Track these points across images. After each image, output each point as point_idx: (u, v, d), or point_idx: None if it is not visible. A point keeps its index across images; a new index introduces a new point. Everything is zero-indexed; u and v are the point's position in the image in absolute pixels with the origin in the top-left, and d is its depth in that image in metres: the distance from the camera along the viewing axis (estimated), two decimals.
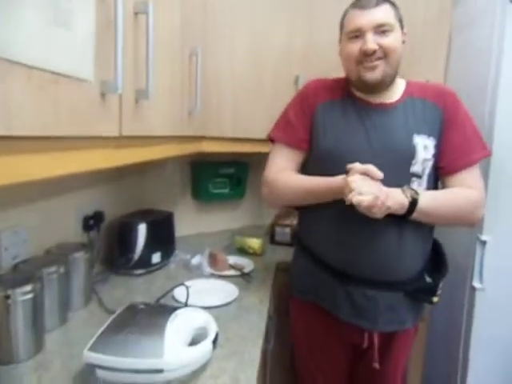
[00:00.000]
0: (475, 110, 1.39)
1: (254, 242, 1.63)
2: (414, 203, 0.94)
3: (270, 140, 1.19)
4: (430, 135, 1.01)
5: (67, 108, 0.56)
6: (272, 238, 1.78)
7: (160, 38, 0.93)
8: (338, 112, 1.08)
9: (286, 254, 1.49)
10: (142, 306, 0.88)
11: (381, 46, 0.97)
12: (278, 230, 1.78)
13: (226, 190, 1.96)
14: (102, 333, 0.77)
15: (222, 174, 1.94)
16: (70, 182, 1.19)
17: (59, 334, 0.94)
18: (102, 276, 1.28)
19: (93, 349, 0.73)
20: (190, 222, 1.90)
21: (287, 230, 1.77)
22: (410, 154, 1.00)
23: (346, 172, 0.94)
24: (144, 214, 1.47)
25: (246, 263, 1.47)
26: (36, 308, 0.84)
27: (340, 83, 1.12)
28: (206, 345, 0.79)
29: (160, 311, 0.86)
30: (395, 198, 0.92)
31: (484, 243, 1.32)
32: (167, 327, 0.78)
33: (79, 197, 1.24)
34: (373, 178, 0.90)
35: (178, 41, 1.09)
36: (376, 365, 1.07)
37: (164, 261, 1.45)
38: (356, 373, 1.19)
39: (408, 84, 1.09)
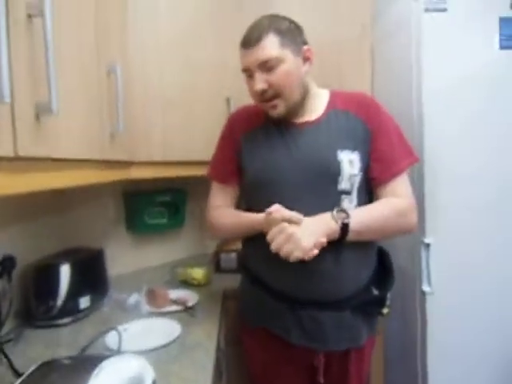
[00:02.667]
0: (404, 116, 1.43)
1: (197, 272, 1.51)
2: (345, 227, 0.92)
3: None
4: (354, 149, 1.00)
5: None
6: (217, 266, 1.67)
7: (68, 47, 0.82)
8: (262, 137, 1.08)
9: (233, 281, 1.38)
10: (57, 363, 0.73)
11: (271, 85, 0.98)
12: (223, 256, 1.67)
13: (164, 220, 1.83)
14: None
15: (158, 203, 1.81)
16: None
17: None
18: (14, 333, 1.07)
19: None
20: (125, 257, 1.73)
21: (233, 255, 1.66)
22: (336, 171, 0.98)
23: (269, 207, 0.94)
24: (67, 254, 1.29)
25: (190, 296, 1.34)
26: None
27: (260, 108, 1.10)
28: None
29: (81, 366, 0.71)
30: (324, 230, 0.91)
31: (428, 246, 1.32)
32: None
33: None
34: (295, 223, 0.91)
35: (92, 54, 0.98)
36: (321, 379, 1.05)
37: (95, 304, 1.27)
38: None
39: (332, 95, 1.09)
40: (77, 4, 0.88)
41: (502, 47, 1.28)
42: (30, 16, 0.67)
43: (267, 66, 0.96)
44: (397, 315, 1.54)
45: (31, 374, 0.70)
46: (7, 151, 0.60)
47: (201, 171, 1.29)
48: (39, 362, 0.75)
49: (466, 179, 1.33)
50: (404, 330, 1.50)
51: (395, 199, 1.01)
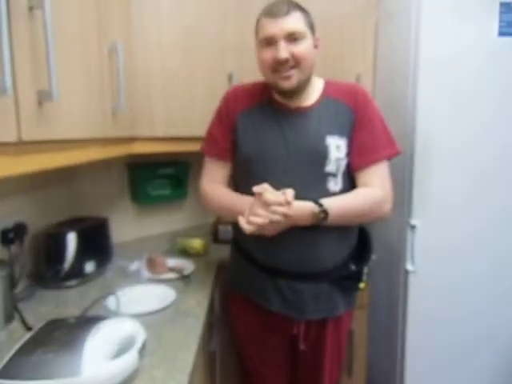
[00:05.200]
0: (399, 99, 1.46)
1: (196, 243, 1.60)
2: (323, 218, 0.99)
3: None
4: (341, 135, 1.07)
5: None
6: (215, 237, 1.76)
7: (69, 33, 0.87)
8: (258, 118, 1.12)
9: (229, 252, 1.48)
10: (62, 321, 0.83)
11: (293, 55, 1.01)
12: (220, 228, 1.76)
13: (167, 192, 1.91)
14: (14, 355, 0.71)
15: (161, 175, 1.88)
16: None
17: None
18: (27, 292, 1.19)
19: (1, 375, 0.67)
20: (129, 226, 1.83)
21: (230, 227, 1.74)
22: (323, 154, 1.05)
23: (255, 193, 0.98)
24: (74, 222, 1.38)
25: (187, 265, 1.44)
26: None
27: (259, 88, 1.16)
28: (131, 355, 0.75)
29: (82, 324, 0.81)
30: (301, 222, 0.99)
31: (414, 227, 1.38)
32: (87, 341, 0.73)
33: None
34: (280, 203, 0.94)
35: (93, 37, 1.02)
36: (302, 346, 1.14)
37: (99, 269, 1.38)
38: (297, 361, 1.23)
39: (326, 84, 1.14)
40: None
41: (502, 34, 1.27)
42: (31, 8, 0.72)
43: (293, 38, 1.00)
44: (382, 291, 1.63)
45: (39, 329, 0.81)
46: (11, 137, 0.67)
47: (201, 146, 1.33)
48: (47, 320, 0.86)
49: (455, 163, 1.37)
50: (388, 306, 1.59)
51: (371, 189, 1.07)
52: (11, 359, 0.71)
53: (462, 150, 1.37)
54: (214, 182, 1.20)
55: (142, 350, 0.80)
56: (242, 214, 0.98)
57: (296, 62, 1.02)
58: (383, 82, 1.62)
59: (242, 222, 0.95)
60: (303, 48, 1.01)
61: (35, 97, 0.73)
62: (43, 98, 0.75)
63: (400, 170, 1.45)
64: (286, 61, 1.00)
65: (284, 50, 0.99)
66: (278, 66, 1.02)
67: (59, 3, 0.81)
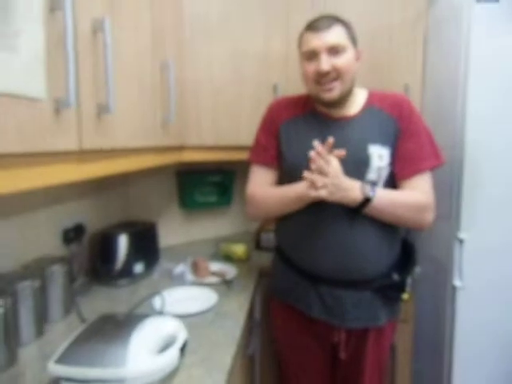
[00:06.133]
0: (448, 109, 1.41)
1: (239, 248, 1.64)
2: (366, 201, 1.01)
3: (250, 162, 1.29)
4: (384, 145, 1.07)
5: (14, 126, 0.58)
6: (257, 244, 1.80)
7: (126, 52, 0.96)
8: (301, 127, 1.16)
9: (270, 259, 1.50)
10: (112, 316, 0.90)
11: (334, 67, 1.04)
12: (263, 235, 1.79)
13: (213, 199, 1.98)
14: (69, 344, 0.79)
15: (208, 183, 1.96)
16: (49, 196, 1.21)
17: (34, 347, 0.96)
18: (84, 288, 1.29)
19: (58, 361, 0.74)
20: (177, 231, 1.92)
21: (272, 235, 1.77)
22: (365, 162, 1.07)
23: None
24: (126, 226, 1.48)
25: (230, 270, 1.48)
26: (7, 322, 0.86)
27: (302, 99, 1.20)
28: (172, 353, 0.80)
29: (130, 321, 0.87)
30: (345, 196, 1.00)
31: (462, 241, 1.32)
32: (133, 336, 0.79)
33: (59, 210, 1.26)
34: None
35: (147, 54, 1.11)
36: (342, 355, 1.15)
37: (147, 271, 1.46)
38: (337, 371, 1.23)
39: (370, 95, 1.15)
40: (134, 12, 1.00)
41: None
42: (94, 32, 0.81)
43: (335, 51, 1.04)
44: (428, 306, 1.56)
45: (93, 322, 0.88)
46: (72, 147, 0.74)
47: (248, 156, 1.37)
48: (99, 314, 0.94)
49: (506, 175, 1.30)
50: (434, 322, 1.52)
51: (417, 193, 1.07)
52: (67, 348, 0.78)
53: None
54: (260, 186, 1.22)
55: (183, 349, 0.84)
56: (294, 196, 1.08)
57: (338, 74, 1.05)
58: (432, 91, 1.58)
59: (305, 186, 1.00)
60: (344, 60, 1.04)
61: (95, 109, 0.81)
62: (102, 110, 0.83)
63: (448, 181, 1.40)
64: (328, 73, 1.04)
65: (326, 63, 1.03)
66: (321, 78, 1.05)
67: (119, 25, 0.90)
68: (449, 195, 1.39)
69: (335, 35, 1.04)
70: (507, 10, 1.22)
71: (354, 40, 1.09)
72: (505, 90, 1.27)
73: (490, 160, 1.31)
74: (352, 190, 1.00)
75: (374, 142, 1.07)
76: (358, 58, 1.10)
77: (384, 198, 1.03)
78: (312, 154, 0.98)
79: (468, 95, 1.29)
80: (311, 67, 1.07)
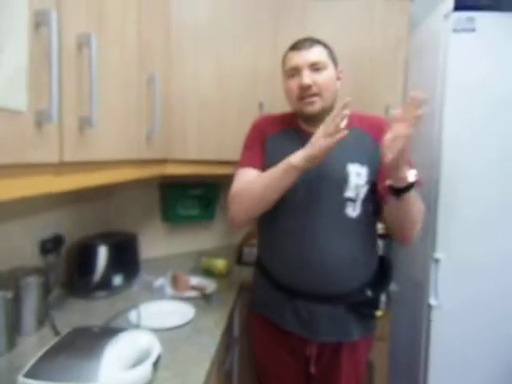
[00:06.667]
0: (425, 130, 1.46)
1: (219, 263, 1.64)
2: (412, 185, 0.96)
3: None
4: (363, 164, 1.11)
5: None
6: (239, 259, 1.80)
7: (111, 65, 0.97)
8: (284, 142, 1.18)
9: (251, 274, 1.50)
10: (86, 329, 0.89)
11: (315, 82, 1.09)
12: (245, 250, 1.80)
13: (196, 212, 1.98)
14: (40, 358, 0.78)
15: (191, 196, 1.96)
16: (27, 205, 1.20)
17: (5, 359, 0.94)
18: (60, 300, 1.27)
19: (28, 375, 0.73)
20: (158, 243, 1.91)
21: (254, 249, 1.77)
22: (343, 180, 1.09)
23: None
24: (106, 236, 1.47)
25: (209, 284, 1.48)
26: None
27: (287, 117, 1.24)
28: (145, 367, 0.80)
29: (104, 334, 0.86)
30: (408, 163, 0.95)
31: (437, 261, 1.35)
32: (106, 350, 0.79)
33: (36, 220, 1.24)
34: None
35: (133, 67, 1.12)
36: (312, 368, 1.17)
37: (127, 283, 1.45)
38: None
39: (351, 115, 1.15)
40: (121, 26, 1.02)
41: None
42: (79, 46, 0.82)
43: (315, 67, 1.09)
44: (404, 324, 1.59)
45: (65, 336, 0.87)
46: (53, 159, 0.75)
47: (231, 170, 1.35)
48: (73, 327, 0.92)
49: (482, 195, 1.34)
50: (410, 340, 1.55)
51: None
52: (38, 361, 0.77)
53: (489, 182, 1.34)
54: (244, 181, 1.17)
55: (157, 364, 0.83)
56: (284, 169, 1.03)
57: (319, 90, 1.09)
58: None
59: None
60: (325, 77, 1.10)
61: (77, 123, 0.82)
62: (84, 124, 0.83)
63: (425, 201, 1.43)
64: (310, 86, 1.08)
65: (307, 77, 1.08)
66: (303, 92, 1.10)
67: (105, 39, 0.91)
68: (426, 215, 1.42)
69: (316, 53, 1.10)
70: (483, 39, 1.28)
71: (334, 60, 1.15)
72: (481, 113, 1.33)
73: (465, 181, 1.35)
74: (408, 166, 0.95)
75: (353, 160, 1.10)
76: (338, 77, 1.16)
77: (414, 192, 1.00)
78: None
79: (444, 117, 1.34)
80: (294, 83, 1.12)
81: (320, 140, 0.97)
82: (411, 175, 0.96)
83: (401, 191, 0.98)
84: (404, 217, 1.06)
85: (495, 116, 1.32)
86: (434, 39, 1.40)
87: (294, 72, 1.12)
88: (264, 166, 1.18)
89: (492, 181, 1.34)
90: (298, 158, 1.01)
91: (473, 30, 1.26)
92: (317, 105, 1.10)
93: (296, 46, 1.13)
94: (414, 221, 1.08)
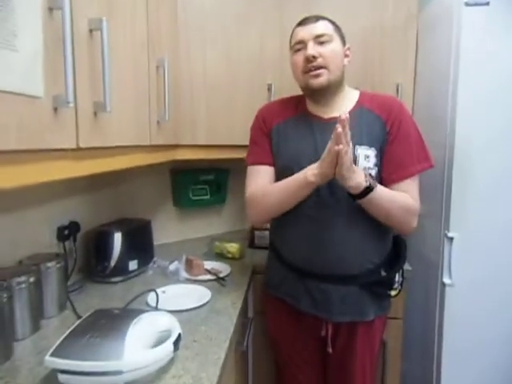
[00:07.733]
0: (438, 108, 1.44)
1: (232, 247, 1.66)
2: (369, 189, 0.99)
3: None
4: (371, 146, 1.09)
5: (15, 123, 0.59)
6: (251, 242, 1.81)
7: (122, 51, 0.97)
8: (293, 129, 1.18)
9: (264, 257, 1.51)
10: (107, 311, 0.91)
11: (321, 55, 1.08)
12: (257, 233, 1.81)
13: (207, 197, 1.99)
14: (65, 338, 0.80)
15: (202, 181, 1.97)
16: (44, 193, 1.22)
17: (30, 341, 0.97)
18: (78, 285, 1.30)
19: (54, 354, 0.76)
20: (171, 229, 1.93)
21: (266, 233, 1.78)
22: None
23: None
24: (121, 223, 1.49)
25: (223, 268, 1.50)
26: (3, 317, 0.87)
27: (293, 101, 1.23)
28: (167, 346, 0.82)
29: (125, 316, 0.89)
30: (353, 178, 0.98)
31: (451, 240, 1.35)
32: (129, 330, 0.81)
33: (53, 208, 1.26)
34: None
35: (143, 53, 1.12)
36: (329, 349, 1.18)
37: (142, 268, 1.48)
38: (328, 364, 1.26)
39: (361, 95, 1.18)
40: (131, 12, 1.01)
41: None
42: (91, 31, 0.82)
43: (321, 40, 1.09)
44: (418, 303, 1.60)
45: (87, 317, 0.89)
46: (70, 144, 0.76)
47: (242, 154, 1.36)
48: (94, 310, 0.95)
49: (496, 174, 1.33)
50: (424, 319, 1.56)
51: (410, 198, 1.08)
52: (63, 342, 0.79)
53: (504, 160, 1.32)
54: (259, 185, 1.20)
55: (177, 343, 0.85)
56: (298, 183, 1.05)
57: (324, 62, 1.08)
58: (423, 90, 1.61)
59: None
60: (331, 49, 1.09)
61: (92, 108, 0.82)
62: (98, 109, 0.84)
63: (438, 179, 1.43)
64: (315, 58, 1.07)
65: (312, 48, 1.08)
66: (309, 64, 1.09)
67: (115, 25, 0.91)
68: (439, 194, 1.42)
69: (322, 26, 1.10)
70: (497, 13, 1.25)
71: (341, 37, 1.14)
72: (494, 90, 1.30)
73: (480, 159, 1.33)
74: (359, 174, 0.98)
75: (361, 143, 1.08)
76: (346, 54, 1.14)
77: (383, 192, 1.04)
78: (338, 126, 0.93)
79: (458, 95, 1.31)
80: (299, 57, 1.11)
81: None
82: (363, 182, 0.97)
83: (356, 197, 1.01)
84: (379, 213, 1.07)
85: (509, 91, 1.30)
86: (447, 14, 1.37)
87: (300, 46, 1.12)
88: (276, 162, 1.19)
89: (507, 157, 1.32)
90: (314, 173, 1.01)
91: (486, 4, 1.23)
92: (323, 77, 1.09)
93: (302, 22, 1.14)
94: (391, 219, 1.08)
